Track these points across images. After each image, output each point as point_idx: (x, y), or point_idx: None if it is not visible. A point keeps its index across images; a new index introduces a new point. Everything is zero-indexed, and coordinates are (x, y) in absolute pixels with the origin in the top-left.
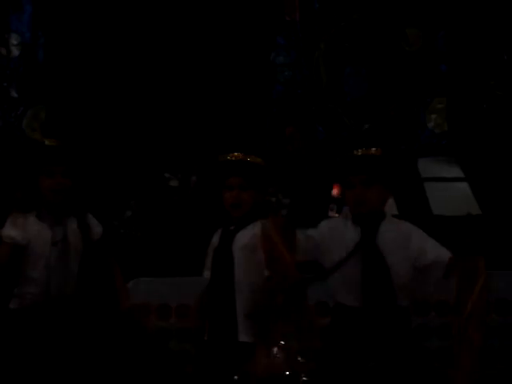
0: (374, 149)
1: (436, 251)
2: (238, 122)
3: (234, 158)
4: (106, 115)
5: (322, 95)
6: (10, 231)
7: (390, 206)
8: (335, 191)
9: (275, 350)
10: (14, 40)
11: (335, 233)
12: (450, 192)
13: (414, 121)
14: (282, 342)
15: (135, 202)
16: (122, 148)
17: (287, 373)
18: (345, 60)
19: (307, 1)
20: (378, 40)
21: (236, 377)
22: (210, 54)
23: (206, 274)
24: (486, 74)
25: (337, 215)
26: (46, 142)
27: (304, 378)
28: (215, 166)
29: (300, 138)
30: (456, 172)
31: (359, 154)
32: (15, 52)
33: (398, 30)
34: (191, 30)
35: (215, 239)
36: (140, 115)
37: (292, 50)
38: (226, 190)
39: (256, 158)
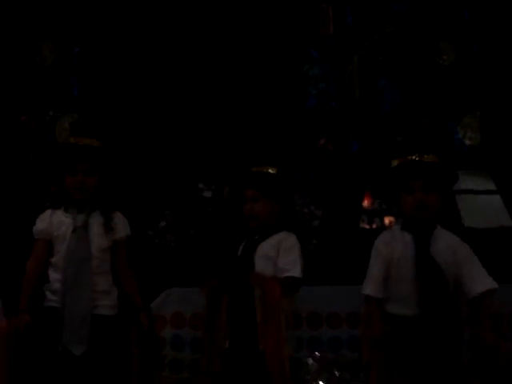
0: (434, 156)
1: (475, 283)
2: (271, 133)
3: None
4: (141, 125)
5: (356, 108)
6: (36, 226)
7: None
8: (366, 203)
9: (310, 360)
10: (47, 48)
11: (394, 245)
12: (482, 205)
13: (446, 134)
14: (317, 353)
15: (169, 213)
16: (156, 159)
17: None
18: (378, 73)
19: (341, 14)
20: (411, 53)
21: None
22: (245, 67)
23: None
24: None
25: (367, 226)
26: (71, 141)
27: None
28: (239, 178)
29: (333, 150)
30: (488, 185)
31: (423, 159)
32: (49, 60)
33: (431, 43)
34: (227, 43)
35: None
36: (174, 126)
37: (325, 62)
38: (243, 203)
39: (268, 167)
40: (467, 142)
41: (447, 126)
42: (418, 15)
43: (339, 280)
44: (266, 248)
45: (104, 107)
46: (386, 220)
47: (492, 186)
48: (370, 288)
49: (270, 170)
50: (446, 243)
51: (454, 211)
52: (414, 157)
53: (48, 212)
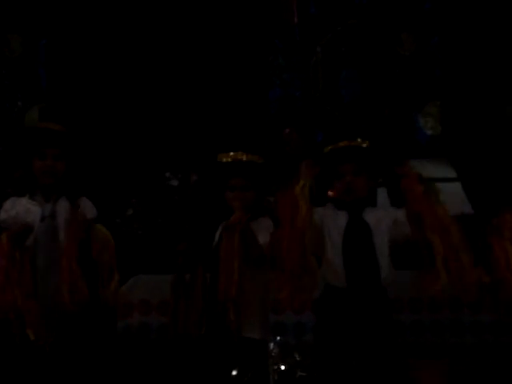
0: (360, 140)
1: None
2: (236, 122)
3: (235, 159)
4: (108, 115)
5: (319, 97)
6: (1, 216)
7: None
8: (331, 192)
9: (271, 345)
10: (15, 41)
11: (326, 219)
12: (443, 192)
13: (407, 123)
14: (279, 338)
15: (136, 201)
16: (123, 148)
17: (283, 367)
18: (341, 63)
19: (304, 5)
20: (374, 44)
21: (235, 372)
22: (209, 57)
23: None
24: (478, 77)
25: None
26: (40, 126)
27: (300, 373)
28: (216, 166)
29: (297, 139)
30: (448, 172)
31: (348, 144)
32: (17, 52)
33: (393, 34)
34: (192, 33)
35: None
36: (141, 115)
37: (290, 53)
38: (228, 191)
39: (256, 157)
40: (428, 130)
41: (409, 114)
42: (380, 7)
43: None
44: None
45: (72, 96)
46: None
47: (452, 174)
48: None
49: (258, 160)
50: (377, 213)
51: None
52: (342, 144)
53: (12, 200)
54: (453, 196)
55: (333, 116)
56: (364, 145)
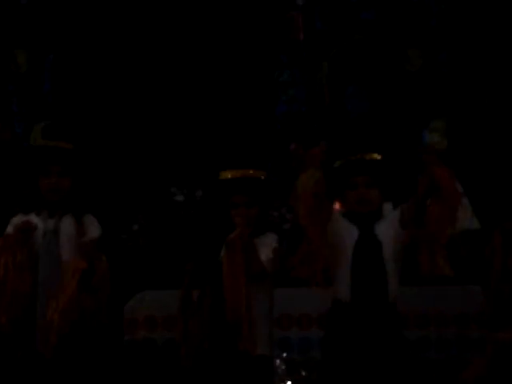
0: (376, 154)
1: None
2: (242, 138)
3: (236, 176)
4: (114, 130)
5: (325, 113)
6: (7, 231)
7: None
8: (337, 206)
9: (277, 361)
10: (22, 56)
11: (341, 227)
12: None
13: (414, 138)
14: (285, 354)
15: (142, 216)
16: (129, 163)
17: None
18: (347, 79)
19: (310, 21)
20: (380, 60)
21: None
22: (216, 73)
23: None
24: (484, 92)
25: None
26: (42, 143)
27: None
28: (218, 183)
29: (303, 154)
30: None
31: (364, 157)
32: (23, 68)
33: (399, 50)
34: (199, 49)
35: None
36: (147, 130)
37: (295, 68)
38: (231, 208)
39: (257, 172)
40: (434, 145)
41: (415, 130)
42: (386, 23)
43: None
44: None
45: (78, 112)
46: None
47: (459, 189)
48: None
49: (260, 175)
50: (386, 226)
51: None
52: (356, 156)
53: (19, 216)
54: (460, 211)
55: (339, 131)
56: (378, 158)
